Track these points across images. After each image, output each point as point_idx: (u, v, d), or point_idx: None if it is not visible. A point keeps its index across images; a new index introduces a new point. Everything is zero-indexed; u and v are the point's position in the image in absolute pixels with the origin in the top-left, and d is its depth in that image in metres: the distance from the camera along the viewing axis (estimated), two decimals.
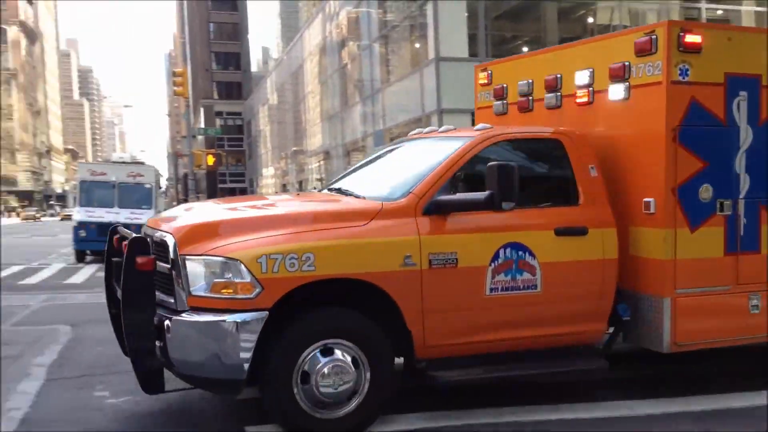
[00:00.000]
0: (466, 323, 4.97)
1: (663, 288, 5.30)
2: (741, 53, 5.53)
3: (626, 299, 5.49)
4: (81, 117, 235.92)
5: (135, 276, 4.51)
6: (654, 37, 5.31)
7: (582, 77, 5.89)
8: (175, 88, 31.59)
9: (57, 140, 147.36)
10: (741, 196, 5.51)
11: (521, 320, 5.12)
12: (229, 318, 4.36)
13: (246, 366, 4.39)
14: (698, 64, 5.32)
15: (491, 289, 4.97)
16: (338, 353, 4.61)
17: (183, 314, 4.47)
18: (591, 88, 5.83)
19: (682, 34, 5.25)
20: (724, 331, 5.53)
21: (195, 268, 4.46)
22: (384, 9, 31.21)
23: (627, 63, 5.49)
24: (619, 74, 5.54)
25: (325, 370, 4.54)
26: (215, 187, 43.17)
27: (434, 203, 4.91)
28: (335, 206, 5.26)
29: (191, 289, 4.44)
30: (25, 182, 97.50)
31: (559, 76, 6.11)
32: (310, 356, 4.55)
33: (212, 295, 4.41)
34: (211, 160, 33.07)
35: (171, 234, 4.66)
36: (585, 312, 5.30)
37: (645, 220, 5.39)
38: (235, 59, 79.92)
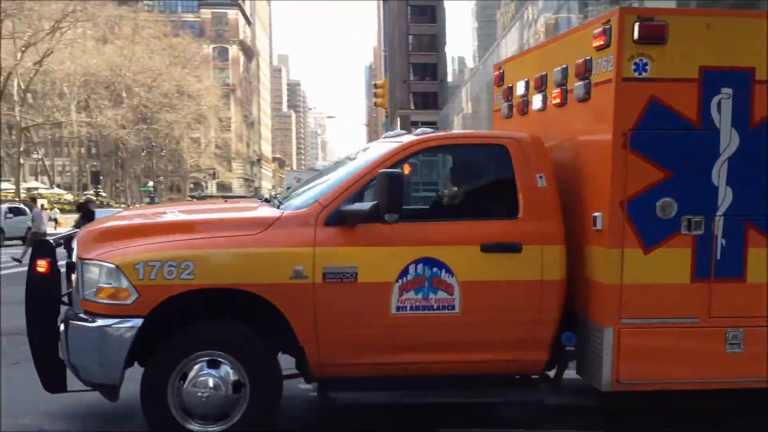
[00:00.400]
0: (368, 343, 4.64)
1: (605, 316, 4.62)
2: (725, 43, 4.60)
3: (580, 327, 4.86)
4: (288, 128, 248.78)
5: (33, 278, 4.70)
6: (608, 27, 4.57)
7: (556, 75, 5.23)
8: (375, 99, 32.61)
9: (266, 149, 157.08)
10: (719, 212, 4.64)
11: (435, 343, 4.69)
12: (102, 323, 4.41)
13: (120, 371, 4.43)
14: (661, 57, 4.51)
15: (398, 308, 4.59)
16: (223, 367, 4.51)
17: (76, 318, 4.58)
18: (564, 88, 5.15)
19: (638, 23, 4.47)
20: (689, 372, 4.71)
21: (86, 272, 4.53)
22: (585, 14, 29.78)
23: (589, 58, 4.79)
24: (581, 71, 4.85)
25: (199, 381, 4.45)
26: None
27: (337, 213, 4.59)
28: (234, 215, 5.12)
29: (84, 293, 4.53)
30: (238, 188, 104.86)
31: (544, 74, 5.46)
32: (187, 367, 4.49)
33: (98, 300, 4.47)
34: (406, 169, 34.03)
35: (77, 238, 4.78)
36: (517, 339, 4.74)
37: (594, 237, 4.71)
38: (432, 70, 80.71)
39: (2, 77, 48.40)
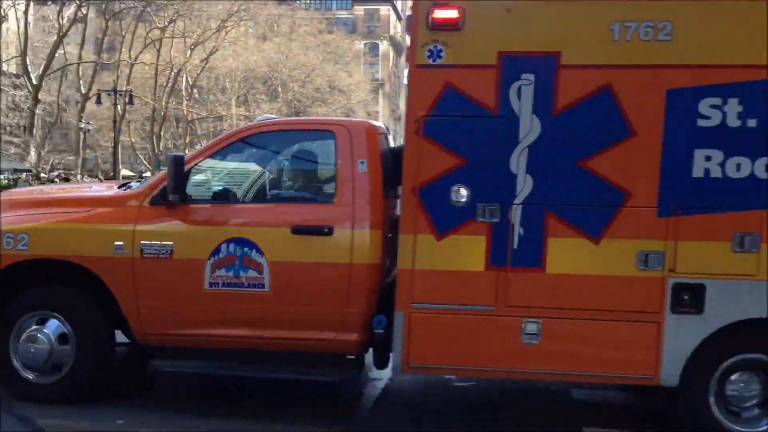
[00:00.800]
0: (184, 316, 5.02)
1: (398, 301, 4.70)
2: (527, 27, 4.51)
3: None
4: None
5: None
6: (410, 15, 4.64)
7: None
8: None
9: None
10: (517, 201, 4.55)
11: (246, 319, 4.97)
12: None
13: None
14: (456, 43, 4.52)
15: (211, 284, 4.94)
16: (51, 323, 5.11)
17: None
18: None
19: (431, 8, 4.50)
20: (483, 359, 4.67)
21: None
22: None
23: (407, 47, 4.88)
24: (406, 59, 4.95)
25: (29, 336, 5.09)
26: None
27: (159, 194, 5.02)
28: (80, 193, 5.69)
29: None
30: None
31: None
32: (24, 324, 5.13)
33: None
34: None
35: None
36: (327, 319, 4.91)
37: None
38: None
39: (173, 74, 53.09)
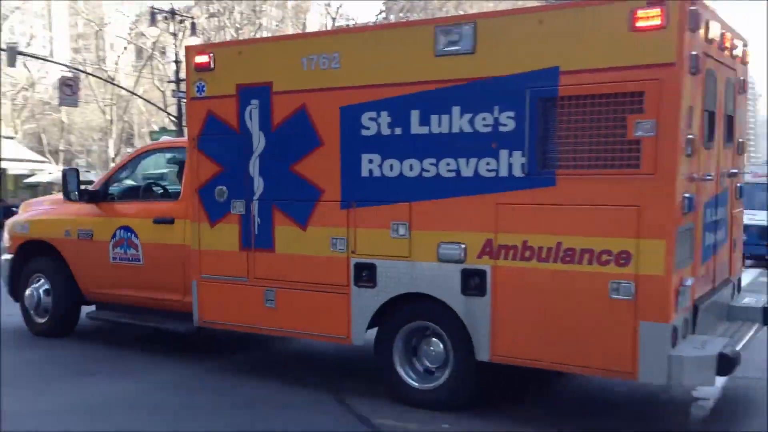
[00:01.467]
0: (101, 279, 7.46)
1: (193, 272, 6.42)
2: (251, 64, 5.95)
3: None
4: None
5: None
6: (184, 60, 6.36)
7: None
8: None
9: None
10: (255, 197, 5.99)
11: (132, 283, 7.17)
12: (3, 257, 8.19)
13: (7, 285, 8.09)
14: (212, 80, 6.14)
15: (112, 258, 7.24)
16: (41, 283, 7.85)
17: None
18: None
19: (194, 55, 6.19)
20: (243, 318, 6.17)
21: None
22: None
23: None
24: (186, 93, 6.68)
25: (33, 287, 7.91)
26: None
27: (86, 194, 7.44)
28: (56, 196, 8.26)
29: None
30: None
31: None
32: (30, 282, 7.96)
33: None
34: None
35: None
36: (176, 285, 6.84)
37: None
38: None
39: None
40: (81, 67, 47.23)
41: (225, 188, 6.13)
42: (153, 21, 28.20)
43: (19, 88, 57.78)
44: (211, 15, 48.54)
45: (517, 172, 4.79)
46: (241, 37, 55.28)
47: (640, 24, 4.33)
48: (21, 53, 28.15)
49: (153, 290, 7.02)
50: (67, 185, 7.34)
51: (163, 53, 63.44)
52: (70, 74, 31.00)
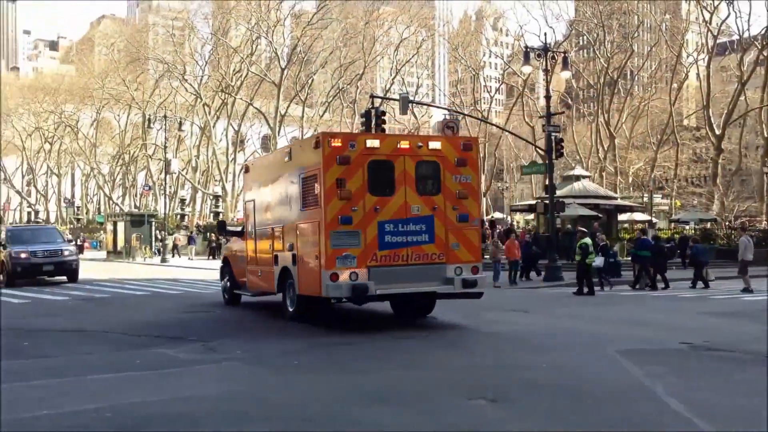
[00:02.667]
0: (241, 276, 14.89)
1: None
2: None
3: None
4: None
5: None
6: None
7: None
8: None
9: None
10: None
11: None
12: None
13: None
14: None
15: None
16: None
17: None
18: None
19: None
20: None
21: None
22: None
23: None
24: None
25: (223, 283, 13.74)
26: None
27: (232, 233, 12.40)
28: None
29: None
30: None
31: None
32: None
33: None
34: None
35: None
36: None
37: None
38: None
39: None
40: (459, 110, 50.64)
41: None
42: (527, 59, 28.89)
43: (406, 133, 64.34)
44: (581, 48, 48.27)
45: (297, 209, 12.25)
46: (611, 66, 54.09)
47: (313, 146, 11.63)
48: (411, 102, 31.12)
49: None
50: (219, 230, 11.49)
51: (532, 90, 65.22)
52: (449, 117, 33.33)
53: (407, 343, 10.58)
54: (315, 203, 11.35)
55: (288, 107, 58.49)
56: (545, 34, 38.52)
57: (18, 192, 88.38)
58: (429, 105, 63.09)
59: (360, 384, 7.65)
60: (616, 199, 41.31)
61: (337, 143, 11.20)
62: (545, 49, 27.12)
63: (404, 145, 11.74)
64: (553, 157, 25.58)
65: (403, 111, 29.24)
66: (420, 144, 11.81)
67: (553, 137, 25.39)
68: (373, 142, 11.63)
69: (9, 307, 16.37)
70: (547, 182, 26.94)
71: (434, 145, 11.86)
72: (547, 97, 27.06)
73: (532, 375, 8.00)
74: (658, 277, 21.02)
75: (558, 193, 28.14)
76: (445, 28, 71.34)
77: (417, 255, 11.36)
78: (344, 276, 10.94)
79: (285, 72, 55.63)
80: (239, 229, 15.93)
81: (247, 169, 16.15)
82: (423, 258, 11.39)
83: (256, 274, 14.21)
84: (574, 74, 46.36)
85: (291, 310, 12.52)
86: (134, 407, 6.61)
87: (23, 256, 22.33)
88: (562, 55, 29.80)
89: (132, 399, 6.95)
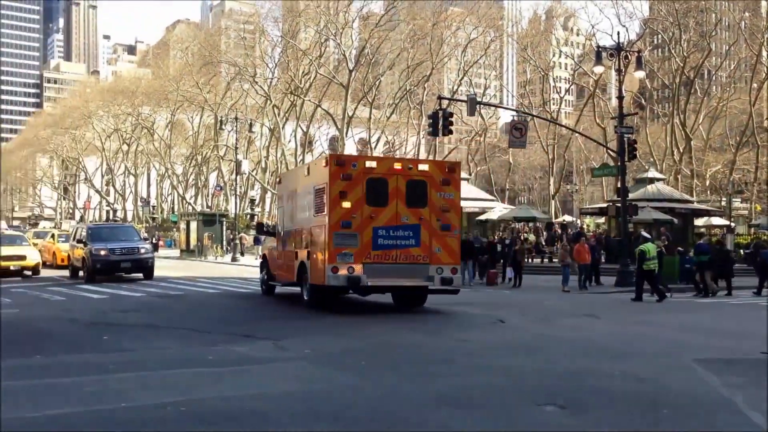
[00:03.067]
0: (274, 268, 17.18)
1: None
2: None
3: None
4: None
5: None
6: None
7: None
8: None
9: None
10: None
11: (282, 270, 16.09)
12: None
13: None
14: None
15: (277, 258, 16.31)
16: None
17: None
18: None
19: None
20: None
21: None
22: None
23: None
24: None
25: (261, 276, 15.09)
26: None
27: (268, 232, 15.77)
28: None
29: None
30: None
31: None
32: None
33: None
34: None
35: None
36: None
37: None
38: None
39: None
40: (527, 111, 50.01)
41: None
42: (598, 59, 28.29)
43: (473, 134, 63.92)
44: (655, 47, 46.93)
45: (311, 214, 14.73)
46: (687, 66, 52.43)
47: (323, 165, 14.34)
48: (479, 103, 30.92)
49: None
50: (258, 230, 13.06)
51: (603, 90, 63.83)
52: (518, 118, 32.97)
53: (471, 346, 10.51)
54: (323, 210, 13.92)
55: (356, 109, 58.94)
56: (618, 33, 37.59)
57: (98, 191, 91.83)
58: (497, 106, 62.70)
59: (429, 386, 7.63)
60: (692, 202, 40.05)
61: (342, 162, 13.96)
62: (618, 48, 26.51)
63: (397, 166, 14.30)
64: (626, 159, 25.00)
65: (471, 112, 29.11)
66: (410, 166, 14.45)
67: (625, 139, 24.81)
68: (371, 164, 14.20)
69: (89, 302, 17.03)
70: (618, 185, 26.31)
71: (422, 167, 14.56)
72: (620, 98, 26.45)
73: (605, 382, 7.83)
74: (722, 282, 20.40)
75: (630, 196, 27.45)
76: (514, 29, 70.58)
77: (404, 256, 13.78)
78: (343, 270, 13.47)
79: (353, 74, 56.06)
80: (273, 230, 18.59)
81: (279, 180, 20.39)
82: (409, 258, 13.81)
83: (283, 268, 16.77)
84: (648, 74, 45.07)
85: (306, 298, 14.86)
86: (207, 402, 6.77)
87: (102, 253, 23.16)
88: (636, 54, 29.03)
89: (205, 394, 7.12)
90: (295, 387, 7.62)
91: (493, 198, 49.14)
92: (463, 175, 40.99)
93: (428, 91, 59.68)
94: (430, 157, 58.41)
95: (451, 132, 26.63)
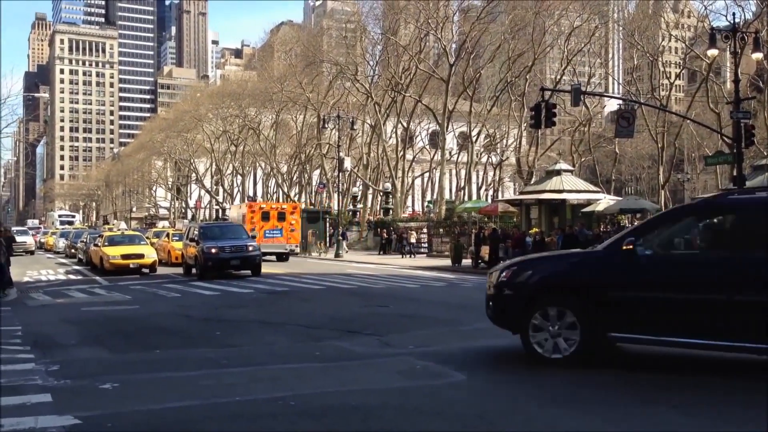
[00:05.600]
0: None
1: None
2: None
3: None
4: None
5: None
6: None
7: None
8: None
9: None
10: None
11: None
12: None
13: None
14: None
15: None
16: None
17: None
18: None
19: None
20: None
21: None
22: None
23: None
24: None
25: None
26: None
27: None
28: None
29: None
30: None
31: None
32: None
33: None
34: None
35: None
36: None
37: None
38: None
39: None
40: (635, 98, 48.20)
41: None
42: (712, 42, 26.89)
43: (577, 124, 62.19)
44: None
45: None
46: None
47: (247, 206, 42.55)
48: (583, 93, 30.08)
49: None
50: None
51: (717, 74, 60.63)
52: (624, 106, 31.84)
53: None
54: (244, 223, 33.44)
55: (456, 103, 58.61)
56: (733, 13, 35.71)
57: (208, 191, 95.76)
58: (602, 95, 60.72)
59: (536, 384, 7.52)
60: None
61: (251, 206, 39.37)
62: (733, 29, 25.15)
63: (274, 206, 39.19)
64: (742, 145, 23.67)
65: (575, 103, 28.38)
66: (279, 207, 39.61)
67: (742, 124, 23.50)
68: (263, 206, 39.22)
69: (201, 298, 17.81)
70: (734, 173, 24.95)
71: (284, 207, 39.96)
72: (736, 81, 25.09)
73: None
74: None
75: (747, 184, 25.96)
76: (621, 14, 68.05)
77: (277, 241, 36.02)
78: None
79: (453, 68, 55.79)
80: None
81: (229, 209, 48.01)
82: (278, 242, 36.20)
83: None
84: (766, 55, 42.33)
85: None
86: (315, 397, 6.95)
87: (213, 251, 24.15)
88: (753, 35, 27.43)
89: (313, 389, 7.31)
90: (398, 383, 7.69)
91: (598, 189, 47.63)
92: (567, 166, 40.08)
93: (530, 82, 58.52)
94: (533, 149, 57.43)
95: (554, 123, 26.05)
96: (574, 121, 64.30)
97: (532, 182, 47.64)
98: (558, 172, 35.57)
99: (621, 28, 66.56)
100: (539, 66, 63.43)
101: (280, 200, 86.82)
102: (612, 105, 79.43)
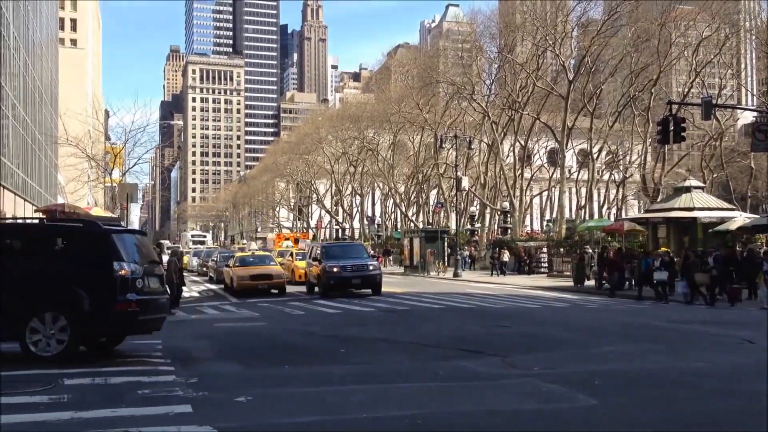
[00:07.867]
0: None
1: None
2: None
3: None
4: None
5: None
6: None
7: None
8: None
9: None
10: None
11: None
12: None
13: None
14: None
15: None
16: None
17: None
18: None
19: None
20: None
21: None
22: None
23: None
24: None
25: None
26: None
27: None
28: None
29: None
30: None
31: None
32: None
33: None
34: None
35: None
36: None
37: None
38: None
39: None
40: None
41: None
42: None
43: (708, 139, 59.11)
44: None
45: None
46: None
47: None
48: (714, 105, 28.65)
49: None
50: None
51: None
52: (761, 119, 29.98)
53: (717, 369, 9.72)
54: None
55: (575, 119, 57.24)
56: None
57: (328, 211, 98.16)
58: (735, 107, 57.47)
59: (669, 410, 7.20)
60: None
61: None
62: None
63: (289, 235, 54.38)
64: None
65: (706, 116, 27.03)
66: (294, 237, 60.38)
67: None
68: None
69: (324, 316, 18.26)
70: None
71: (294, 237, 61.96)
72: None
73: None
74: None
75: None
76: (753, 23, 64.30)
77: None
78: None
79: (572, 84, 54.58)
80: None
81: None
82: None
83: None
84: None
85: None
86: (442, 417, 6.97)
87: (335, 270, 24.72)
88: None
89: (438, 409, 7.33)
90: (525, 405, 7.57)
91: (733, 207, 44.95)
92: (697, 183, 38.09)
93: (655, 95, 56.28)
94: (659, 165, 54.97)
95: (683, 138, 24.92)
96: (704, 136, 61.21)
97: (658, 200, 45.64)
98: (688, 189, 33.93)
99: (754, 37, 62.86)
100: (664, 79, 60.91)
101: (398, 220, 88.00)
102: (746, 118, 74.95)
